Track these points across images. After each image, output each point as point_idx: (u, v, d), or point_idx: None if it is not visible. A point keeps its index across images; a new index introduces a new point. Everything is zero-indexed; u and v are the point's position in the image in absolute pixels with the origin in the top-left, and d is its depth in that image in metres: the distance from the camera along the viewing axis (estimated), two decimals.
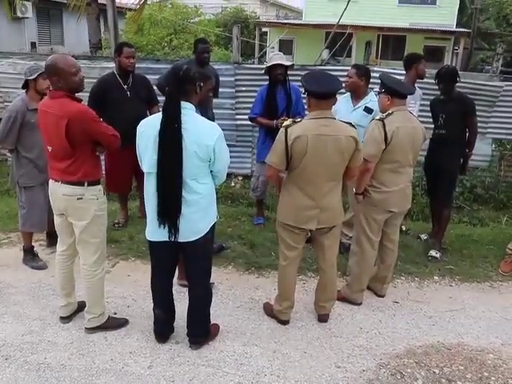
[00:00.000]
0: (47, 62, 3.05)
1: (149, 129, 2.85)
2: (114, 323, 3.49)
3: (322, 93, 3.08)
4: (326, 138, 3.07)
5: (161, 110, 2.87)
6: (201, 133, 2.80)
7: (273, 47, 19.48)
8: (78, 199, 3.13)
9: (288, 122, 3.18)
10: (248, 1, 28.03)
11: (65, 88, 3.04)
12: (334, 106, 3.26)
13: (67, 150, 3.05)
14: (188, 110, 2.82)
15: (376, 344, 3.41)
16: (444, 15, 19.85)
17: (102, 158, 5.22)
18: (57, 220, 3.34)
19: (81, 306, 3.56)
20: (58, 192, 3.17)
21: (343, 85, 4.39)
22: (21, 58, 6.72)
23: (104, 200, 3.30)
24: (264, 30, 22.55)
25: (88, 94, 4.80)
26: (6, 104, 6.48)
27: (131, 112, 4.65)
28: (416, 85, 4.82)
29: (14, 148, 4.16)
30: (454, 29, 19.83)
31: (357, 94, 4.46)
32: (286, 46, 20.80)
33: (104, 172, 5.22)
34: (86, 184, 3.14)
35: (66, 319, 3.53)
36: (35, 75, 4.03)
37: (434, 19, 19.62)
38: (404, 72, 4.95)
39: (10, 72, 6.67)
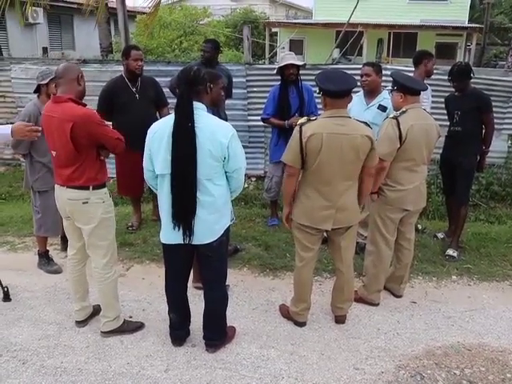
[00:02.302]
0: (68, 66, 3.13)
1: (161, 130, 2.84)
2: (130, 326, 3.47)
3: (337, 91, 3.05)
4: (341, 137, 3.04)
5: (171, 111, 2.86)
6: (214, 130, 2.80)
7: (283, 47, 19.44)
8: (83, 203, 3.12)
9: (303, 119, 3.16)
10: (257, 1, 28.03)
11: (77, 92, 3.09)
12: (349, 105, 3.22)
13: (72, 154, 3.05)
14: (200, 110, 2.81)
15: (394, 345, 3.36)
16: (455, 11, 19.63)
17: (113, 160, 5.32)
18: (65, 223, 3.36)
19: (96, 310, 3.56)
20: (64, 196, 3.16)
21: (360, 84, 4.39)
22: (33, 64, 6.78)
23: (110, 202, 3.28)
24: (274, 30, 22.50)
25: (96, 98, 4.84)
26: (18, 109, 6.54)
27: (140, 114, 4.68)
28: (426, 81, 4.75)
29: (27, 153, 4.18)
30: (465, 24, 19.62)
31: (372, 92, 4.42)
32: (296, 46, 20.72)
33: (115, 175, 5.29)
34: (91, 188, 3.13)
35: (82, 323, 3.52)
36: (47, 80, 4.05)
37: (446, 15, 19.40)
38: None
39: (23, 77, 6.73)
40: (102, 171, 3.24)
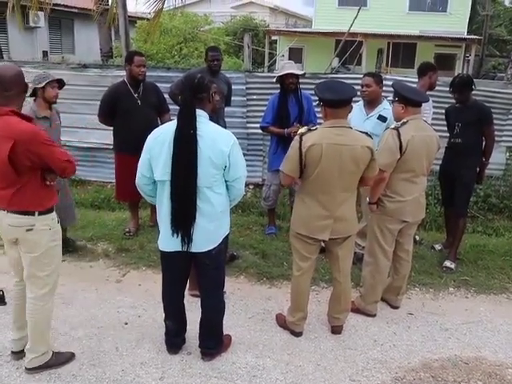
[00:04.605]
0: (10, 70, 2.73)
1: (162, 136, 2.84)
2: (59, 359, 3.14)
3: (337, 101, 3.05)
4: (341, 148, 3.04)
5: (172, 118, 2.85)
6: (216, 139, 2.80)
7: (282, 55, 19.51)
8: (27, 230, 2.76)
9: (303, 129, 3.16)
10: (257, 9, 28.16)
11: (18, 102, 2.75)
12: (349, 115, 3.23)
13: (10, 177, 2.65)
14: (202, 118, 2.82)
15: (391, 357, 3.35)
16: (455, 22, 19.76)
17: (112, 165, 5.30)
18: (7, 250, 2.99)
19: None
20: (3, 222, 2.78)
21: (360, 94, 4.39)
22: (33, 67, 6.75)
23: (58, 229, 2.94)
24: (273, 38, 22.61)
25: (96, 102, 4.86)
26: None
27: (142, 120, 4.68)
28: (427, 93, 4.77)
29: None
30: (465, 36, 19.75)
31: (373, 103, 4.42)
32: (295, 54, 20.81)
33: (114, 180, 5.28)
34: (36, 213, 2.76)
35: (19, 354, 3.14)
36: (44, 83, 4.04)
37: (445, 26, 19.54)
38: (416, 80, 4.91)
39: None
40: (49, 196, 2.86)
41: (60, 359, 3.15)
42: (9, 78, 2.66)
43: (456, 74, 4.90)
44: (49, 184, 2.84)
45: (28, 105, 4.18)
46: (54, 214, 2.90)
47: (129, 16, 7.81)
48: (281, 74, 4.83)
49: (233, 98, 5.50)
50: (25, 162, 2.64)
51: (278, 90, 4.97)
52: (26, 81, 2.81)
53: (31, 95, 4.15)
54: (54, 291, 3.04)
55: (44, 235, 2.83)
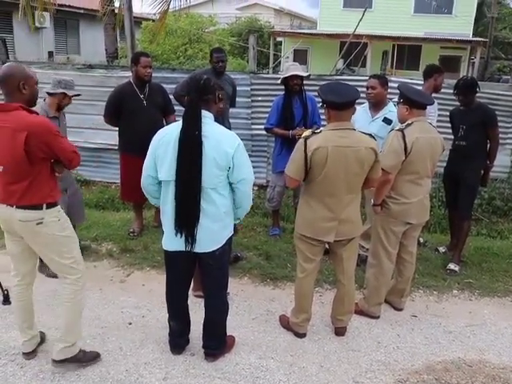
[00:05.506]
0: (9, 72, 2.74)
1: (168, 136, 2.85)
2: (88, 356, 3.17)
3: (341, 103, 3.05)
4: (346, 150, 3.04)
5: (177, 119, 2.86)
6: (221, 140, 2.80)
7: (287, 57, 19.52)
8: (37, 224, 2.82)
9: (307, 132, 3.16)
10: (262, 10, 28.20)
11: (26, 98, 2.79)
12: (352, 117, 3.23)
13: (24, 168, 2.72)
14: (208, 119, 2.82)
15: (394, 359, 3.34)
16: (460, 24, 19.72)
17: (117, 166, 5.32)
18: (9, 246, 3.01)
19: (43, 338, 3.35)
20: (13, 217, 2.81)
21: (365, 96, 4.39)
22: (39, 67, 6.78)
23: (66, 218, 3.01)
24: (278, 39, 22.63)
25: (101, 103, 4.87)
26: None
27: (147, 121, 4.70)
28: (432, 95, 4.77)
29: None
30: (470, 38, 19.71)
31: (378, 105, 4.42)
32: (300, 56, 20.81)
33: (119, 181, 5.30)
34: (44, 207, 2.83)
35: (31, 354, 3.20)
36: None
37: (450, 28, 19.51)
38: (421, 82, 4.91)
39: None
40: (56, 188, 2.94)
41: (89, 356, 3.17)
42: None
43: (460, 77, 4.89)
44: (57, 175, 2.95)
45: (38, 104, 4.20)
46: (59, 207, 2.96)
47: (134, 17, 7.86)
48: (285, 75, 4.84)
49: (237, 100, 5.51)
50: (38, 154, 2.73)
51: (283, 92, 4.98)
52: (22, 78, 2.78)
53: (50, 94, 4.15)
54: (85, 279, 3.10)
55: (54, 226, 2.90)
